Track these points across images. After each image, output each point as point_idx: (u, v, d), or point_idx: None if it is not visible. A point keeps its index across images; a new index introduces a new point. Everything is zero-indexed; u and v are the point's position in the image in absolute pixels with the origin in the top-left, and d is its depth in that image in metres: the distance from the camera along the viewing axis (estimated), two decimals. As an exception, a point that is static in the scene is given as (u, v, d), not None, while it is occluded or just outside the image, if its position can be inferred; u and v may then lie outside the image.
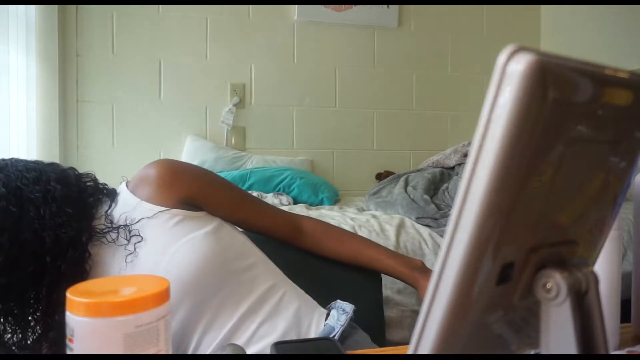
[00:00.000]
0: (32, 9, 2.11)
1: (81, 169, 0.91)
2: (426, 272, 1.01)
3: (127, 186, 0.89)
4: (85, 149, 2.36)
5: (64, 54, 2.30)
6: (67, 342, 0.43)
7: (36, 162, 0.85)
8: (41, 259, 0.75)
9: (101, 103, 2.39)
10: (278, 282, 0.90)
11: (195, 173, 0.90)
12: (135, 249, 0.81)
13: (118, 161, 2.37)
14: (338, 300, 0.93)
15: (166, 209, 0.84)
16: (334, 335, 0.85)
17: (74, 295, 0.43)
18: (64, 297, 0.77)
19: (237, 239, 0.91)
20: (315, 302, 0.93)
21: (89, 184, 0.89)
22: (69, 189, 0.82)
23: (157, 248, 0.82)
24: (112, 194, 0.90)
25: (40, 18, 2.14)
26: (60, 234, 0.76)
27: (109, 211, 0.86)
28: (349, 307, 0.90)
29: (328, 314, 0.91)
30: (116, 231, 0.82)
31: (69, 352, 0.43)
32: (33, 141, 2.13)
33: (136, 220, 0.83)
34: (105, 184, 0.93)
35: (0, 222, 0.74)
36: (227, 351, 0.61)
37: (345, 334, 0.87)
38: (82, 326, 0.42)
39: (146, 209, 0.84)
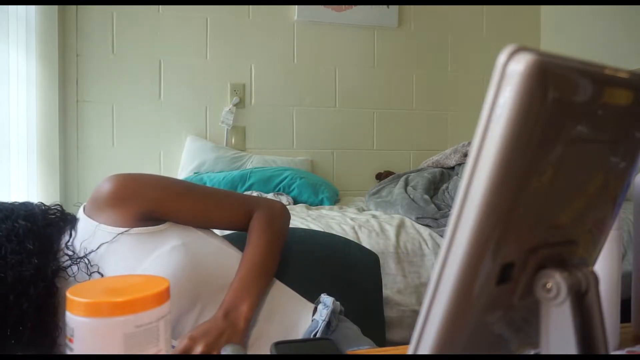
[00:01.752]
0: (32, 9, 2.11)
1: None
2: (228, 317, 0.79)
3: (84, 211, 0.84)
4: (85, 149, 2.35)
5: (64, 54, 2.30)
6: (67, 342, 0.43)
7: (11, 204, 0.84)
8: (5, 298, 0.73)
9: (101, 103, 2.38)
10: None
11: (149, 186, 0.85)
12: None
13: (118, 161, 2.36)
14: (322, 295, 0.92)
15: (125, 229, 0.80)
16: (317, 331, 0.84)
17: (74, 295, 0.43)
18: (35, 333, 0.75)
19: (210, 244, 0.88)
20: (300, 297, 0.92)
21: (55, 215, 0.85)
22: (34, 224, 0.80)
23: (123, 274, 0.79)
24: (73, 222, 0.85)
25: (40, 18, 2.14)
26: (21, 272, 0.74)
27: (70, 242, 0.81)
28: (329, 300, 0.89)
29: (316, 309, 0.90)
30: (76, 265, 0.79)
31: (68, 352, 0.43)
32: (33, 141, 2.13)
33: (96, 248, 0.80)
34: (70, 214, 0.89)
35: None
36: (227, 351, 0.61)
37: (333, 328, 0.86)
38: (82, 326, 0.42)
39: (105, 232, 0.81)
